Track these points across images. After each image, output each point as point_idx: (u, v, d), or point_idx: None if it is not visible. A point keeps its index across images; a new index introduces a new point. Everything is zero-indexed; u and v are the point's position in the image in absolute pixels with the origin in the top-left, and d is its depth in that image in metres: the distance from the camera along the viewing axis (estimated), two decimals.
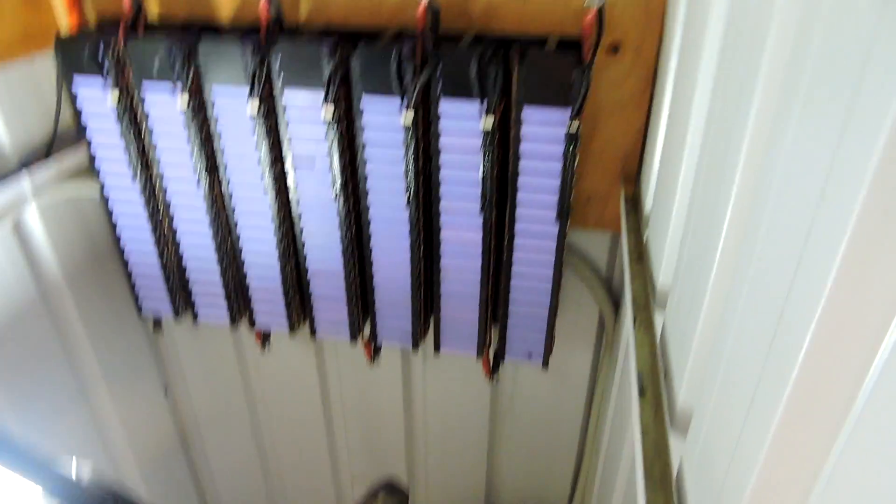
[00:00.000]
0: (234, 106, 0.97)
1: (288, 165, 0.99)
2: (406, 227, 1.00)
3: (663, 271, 0.73)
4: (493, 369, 1.22)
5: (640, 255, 0.82)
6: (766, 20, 0.44)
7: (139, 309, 1.24)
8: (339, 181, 0.98)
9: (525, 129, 0.88)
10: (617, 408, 1.05)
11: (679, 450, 0.54)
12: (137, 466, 1.43)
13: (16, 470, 0.54)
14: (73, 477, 0.57)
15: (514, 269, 1.01)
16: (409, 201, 0.97)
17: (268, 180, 1.01)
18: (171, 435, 1.58)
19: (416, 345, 1.14)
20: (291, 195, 1.02)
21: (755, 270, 0.43)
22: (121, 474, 1.39)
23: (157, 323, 1.34)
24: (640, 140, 0.97)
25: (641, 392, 0.60)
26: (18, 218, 1.04)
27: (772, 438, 0.37)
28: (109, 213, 1.13)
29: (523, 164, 0.91)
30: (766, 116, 0.45)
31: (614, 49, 0.91)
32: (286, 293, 1.13)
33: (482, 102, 0.87)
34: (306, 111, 0.94)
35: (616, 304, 1.17)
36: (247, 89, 0.94)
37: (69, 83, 1.00)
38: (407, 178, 0.95)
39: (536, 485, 1.50)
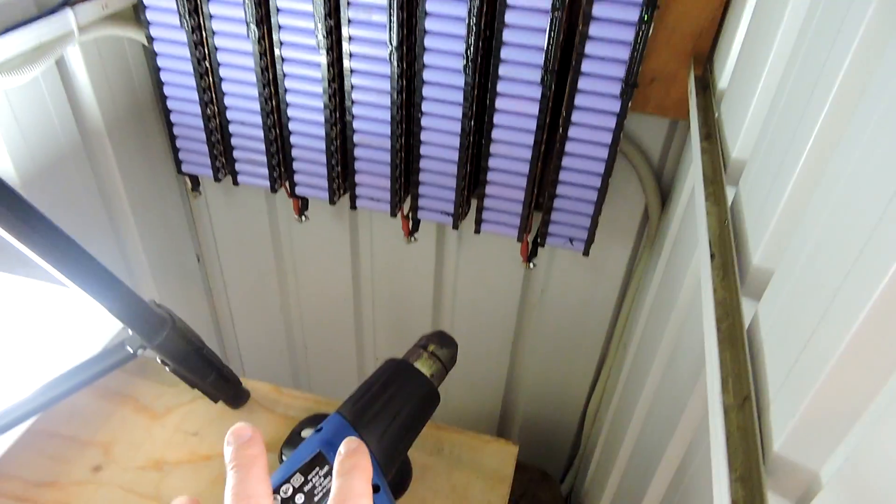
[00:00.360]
0: None
1: (342, 18, 0.95)
2: (460, 94, 0.96)
3: (739, 146, 0.70)
4: (531, 255, 1.21)
5: (709, 133, 0.78)
6: None
7: (178, 167, 1.23)
8: (395, 38, 0.93)
9: None
10: (657, 298, 1.04)
11: (750, 309, 0.53)
12: None
13: (76, 280, 0.53)
14: (137, 295, 0.57)
15: (568, 146, 0.97)
16: (466, 65, 0.93)
17: (320, 34, 0.96)
18: (203, 305, 1.61)
19: (456, 223, 1.13)
20: (344, 51, 0.98)
21: (869, 136, 0.40)
22: None
23: (196, 183, 1.33)
24: (718, 17, 0.91)
25: (711, 257, 0.58)
26: (62, 54, 1.02)
27: (873, 303, 0.35)
28: (153, 60, 1.09)
29: (594, 29, 0.85)
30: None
31: None
32: (329, 160, 1.11)
33: None
34: None
35: (663, 198, 1.14)
36: None
37: None
38: (467, 38, 0.90)
39: (558, 379, 1.52)
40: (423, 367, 0.64)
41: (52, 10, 0.97)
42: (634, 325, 1.19)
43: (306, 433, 0.71)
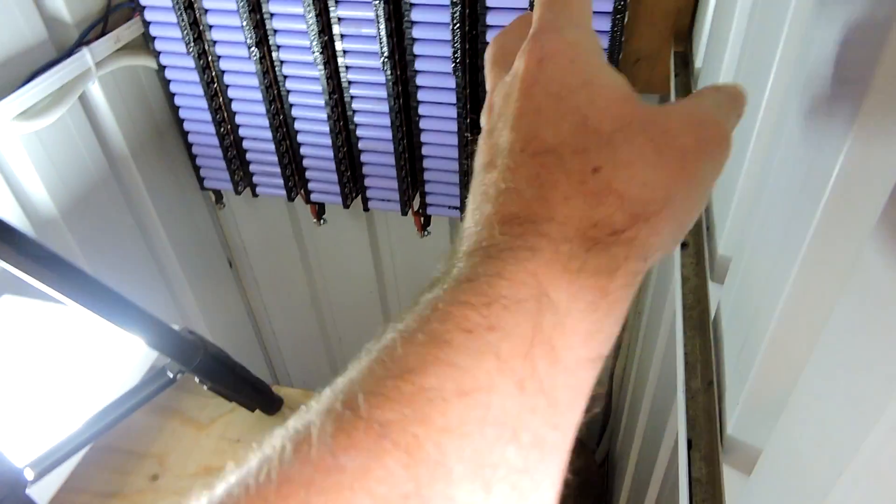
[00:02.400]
0: None
1: (336, 32, 1.00)
2: (453, 95, 1.01)
3: None
4: None
5: None
6: None
7: (201, 183, 1.31)
8: (386, 48, 0.98)
9: None
10: (658, 278, 1.08)
11: (717, 296, 0.57)
12: (212, 338, 1.55)
13: (118, 323, 0.60)
14: (171, 328, 0.64)
15: None
16: (455, 67, 0.97)
17: (316, 50, 1.02)
18: (239, 306, 1.70)
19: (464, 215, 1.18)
20: (340, 64, 1.03)
21: (791, 128, 0.43)
22: None
23: (219, 196, 1.41)
24: None
25: (683, 245, 0.62)
26: (84, 91, 1.09)
27: (791, 285, 0.39)
28: (167, 87, 1.16)
29: None
30: None
31: None
32: (338, 167, 1.17)
33: None
34: None
35: None
36: None
37: None
38: (454, 41, 0.94)
39: None
40: None
41: (70, 52, 1.04)
42: (646, 293, 1.24)
43: None
